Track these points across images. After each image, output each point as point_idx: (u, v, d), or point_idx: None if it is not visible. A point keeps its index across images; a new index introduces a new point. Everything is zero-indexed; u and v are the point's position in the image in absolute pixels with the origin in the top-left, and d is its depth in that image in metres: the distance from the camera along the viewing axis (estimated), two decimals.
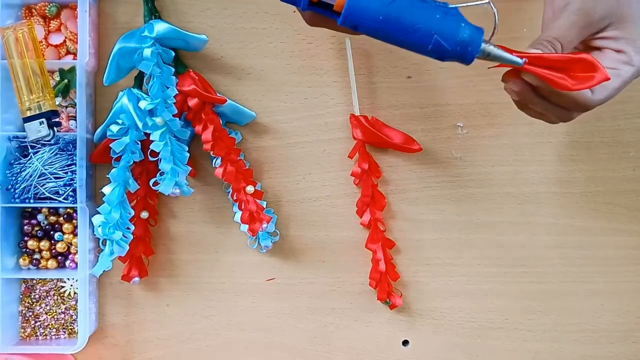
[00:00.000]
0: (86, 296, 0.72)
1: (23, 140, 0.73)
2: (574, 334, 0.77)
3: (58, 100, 0.74)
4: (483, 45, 0.50)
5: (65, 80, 0.74)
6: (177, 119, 0.70)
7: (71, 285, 0.76)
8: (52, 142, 0.73)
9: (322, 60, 0.76)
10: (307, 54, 0.75)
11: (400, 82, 0.76)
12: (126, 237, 0.70)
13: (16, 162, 0.73)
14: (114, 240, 0.69)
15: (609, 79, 0.50)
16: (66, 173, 0.72)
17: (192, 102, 0.71)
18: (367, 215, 0.75)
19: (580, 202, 0.77)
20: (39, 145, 0.73)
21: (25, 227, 0.75)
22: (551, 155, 0.76)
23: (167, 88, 0.69)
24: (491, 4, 0.52)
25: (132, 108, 0.69)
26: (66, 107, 0.74)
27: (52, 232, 0.75)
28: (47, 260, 0.75)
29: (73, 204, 0.72)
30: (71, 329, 0.76)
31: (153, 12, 0.72)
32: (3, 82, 0.71)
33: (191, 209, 0.77)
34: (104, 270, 0.71)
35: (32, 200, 0.72)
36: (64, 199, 0.72)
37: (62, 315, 0.76)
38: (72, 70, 0.74)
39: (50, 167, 0.72)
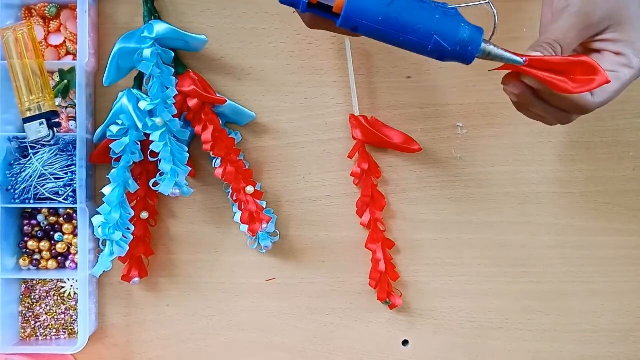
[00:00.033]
0: (86, 296, 0.72)
1: (23, 140, 0.73)
2: (574, 334, 0.77)
3: (58, 100, 0.74)
4: (483, 45, 0.50)
5: (65, 81, 0.74)
6: (177, 119, 0.70)
7: (71, 286, 0.76)
8: (52, 142, 0.73)
9: (322, 61, 0.75)
10: (307, 54, 0.75)
11: (400, 82, 0.76)
12: (126, 238, 0.70)
13: (16, 163, 0.73)
14: (114, 240, 0.69)
15: (609, 82, 0.50)
16: (66, 174, 0.72)
17: (192, 102, 0.71)
18: (367, 215, 0.75)
19: (580, 202, 0.77)
20: (39, 146, 0.73)
21: (26, 227, 0.75)
22: (551, 155, 0.76)
23: (167, 88, 0.69)
24: (491, 4, 0.52)
25: (132, 108, 0.69)
26: (66, 107, 0.74)
27: (52, 233, 0.75)
28: (47, 260, 0.75)
29: (73, 204, 0.72)
30: (71, 329, 0.76)
31: (153, 12, 0.72)
32: (3, 83, 0.71)
33: (191, 209, 0.77)
34: (104, 271, 0.71)
35: (32, 201, 0.72)
36: (64, 199, 0.72)
37: (62, 316, 0.76)
38: (72, 70, 0.74)
39: (50, 168, 0.72)
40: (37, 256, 0.75)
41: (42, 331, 0.76)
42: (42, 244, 0.75)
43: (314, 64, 0.75)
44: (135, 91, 0.70)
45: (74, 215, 0.75)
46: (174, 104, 0.69)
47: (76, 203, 0.71)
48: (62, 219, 0.75)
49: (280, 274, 0.77)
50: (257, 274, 0.77)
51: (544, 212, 0.77)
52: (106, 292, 0.77)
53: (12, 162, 0.73)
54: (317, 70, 0.75)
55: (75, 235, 0.75)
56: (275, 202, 0.77)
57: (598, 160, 0.76)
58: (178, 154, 0.70)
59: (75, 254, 0.75)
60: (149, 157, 0.70)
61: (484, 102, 0.76)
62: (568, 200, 0.76)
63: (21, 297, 0.76)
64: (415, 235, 0.77)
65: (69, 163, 0.72)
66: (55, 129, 0.70)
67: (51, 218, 0.75)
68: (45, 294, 0.76)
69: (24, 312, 0.76)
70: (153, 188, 0.70)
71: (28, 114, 0.69)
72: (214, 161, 0.73)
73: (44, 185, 0.72)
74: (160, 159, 0.69)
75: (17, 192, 0.72)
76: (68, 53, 0.75)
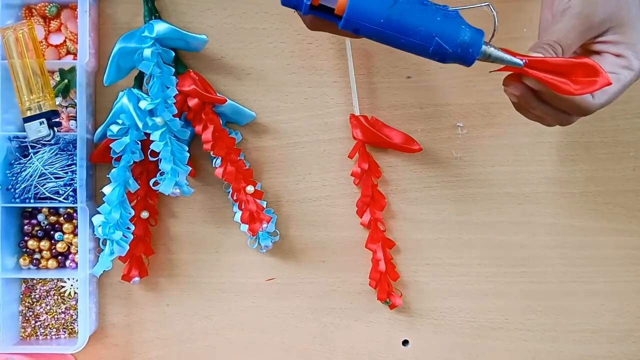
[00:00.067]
0: (86, 296, 0.72)
1: (23, 140, 0.73)
2: (574, 334, 0.77)
3: (58, 100, 0.74)
4: (484, 47, 0.51)
5: (66, 81, 0.74)
6: (177, 119, 0.70)
7: (71, 285, 0.76)
8: (52, 142, 0.73)
9: (322, 60, 0.75)
10: (307, 54, 0.75)
11: (400, 82, 0.76)
12: (126, 237, 0.70)
13: (16, 162, 0.73)
14: (114, 240, 0.69)
15: (610, 83, 0.50)
16: (66, 173, 0.72)
17: (192, 102, 0.71)
18: (367, 215, 0.75)
19: (580, 202, 0.77)
20: (39, 145, 0.73)
21: (26, 227, 0.75)
22: (551, 155, 0.76)
23: (167, 88, 0.69)
24: (490, 6, 0.52)
25: (132, 108, 0.69)
26: (66, 107, 0.74)
27: (52, 232, 0.75)
28: (48, 260, 0.75)
29: (73, 203, 0.72)
30: (71, 328, 0.76)
31: (153, 12, 0.72)
32: (3, 82, 0.71)
33: (191, 209, 0.77)
34: (104, 270, 0.71)
35: (32, 200, 0.72)
36: (64, 199, 0.72)
37: (63, 315, 0.76)
38: (72, 70, 0.74)
39: (51, 167, 0.72)
40: (37, 255, 0.75)
41: (42, 331, 0.76)
42: (42, 243, 0.75)
43: (314, 64, 0.75)
44: (135, 91, 0.70)
45: (74, 214, 0.75)
46: (174, 103, 0.69)
47: (76, 202, 0.71)
48: (62, 218, 0.75)
49: (280, 273, 0.77)
50: (257, 273, 0.77)
51: (544, 212, 0.77)
52: (106, 292, 0.77)
53: (13, 161, 0.73)
54: (317, 70, 0.75)
55: (76, 235, 0.75)
56: (275, 202, 0.77)
57: (598, 160, 0.76)
58: (178, 153, 0.70)
59: (75, 254, 0.75)
60: (149, 157, 0.70)
61: (484, 102, 0.76)
62: (568, 200, 0.77)
63: (21, 296, 0.76)
64: (415, 235, 0.77)
65: (69, 162, 0.72)
66: (55, 129, 0.70)
67: (51, 217, 0.75)
68: (45, 293, 0.76)
69: (24, 311, 0.76)
70: (153, 187, 0.70)
71: (28, 114, 0.69)
72: (214, 161, 0.73)
73: (44, 184, 0.72)
74: (161, 159, 0.69)
75: (17, 191, 0.72)
76: (68, 52, 0.75)
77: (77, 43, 0.73)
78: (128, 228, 0.70)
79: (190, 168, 0.72)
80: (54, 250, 0.75)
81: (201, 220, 0.77)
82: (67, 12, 0.74)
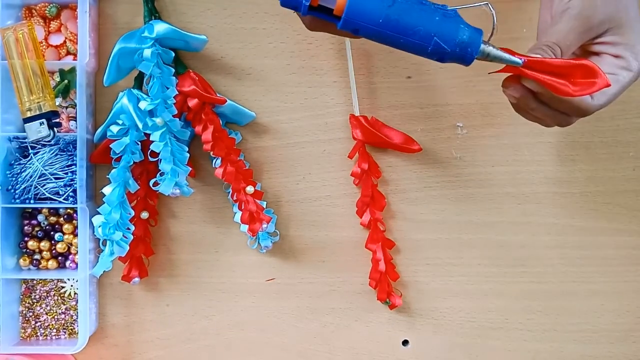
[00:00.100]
0: (86, 296, 0.72)
1: (23, 140, 0.73)
2: (574, 334, 0.77)
3: (58, 100, 0.74)
4: (482, 46, 0.51)
5: (66, 81, 0.74)
6: (177, 119, 0.70)
7: (71, 286, 0.76)
8: (52, 142, 0.73)
9: (322, 61, 0.75)
10: (307, 54, 0.75)
11: (400, 82, 0.76)
12: (126, 238, 0.70)
13: (16, 163, 0.73)
14: (114, 240, 0.69)
15: (609, 85, 0.50)
16: (66, 173, 0.72)
17: (192, 102, 0.71)
18: (367, 215, 0.75)
19: (580, 202, 0.77)
20: (39, 146, 0.73)
21: (26, 227, 0.75)
22: (551, 155, 0.76)
23: (167, 88, 0.69)
24: (489, 5, 0.52)
25: (132, 108, 0.69)
26: (66, 107, 0.74)
27: (52, 233, 0.75)
28: (48, 260, 0.75)
29: (73, 204, 0.72)
30: (71, 329, 0.76)
31: (153, 12, 0.72)
32: (3, 83, 0.71)
33: (191, 209, 0.77)
34: (104, 271, 0.71)
35: (32, 201, 0.72)
36: (64, 199, 0.72)
37: (63, 316, 0.76)
38: (72, 70, 0.74)
39: (51, 168, 0.72)
40: (37, 256, 0.75)
41: (42, 331, 0.76)
42: (42, 243, 0.75)
43: (314, 64, 0.75)
44: (135, 91, 0.70)
45: (74, 215, 0.75)
46: (174, 104, 0.69)
47: (76, 203, 0.71)
48: (62, 218, 0.75)
49: (280, 274, 0.77)
50: (257, 274, 0.77)
51: (544, 212, 0.77)
52: (106, 292, 0.77)
53: (13, 162, 0.73)
54: (317, 70, 0.75)
55: (76, 235, 0.75)
56: (275, 202, 0.77)
57: (598, 160, 0.76)
58: (178, 153, 0.70)
59: (75, 254, 0.75)
60: (149, 157, 0.70)
61: (484, 102, 0.76)
62: (568, 200, 0.77)
63: (21, 297, 0.76)
64: (415, 235, 0.77)
65: (69, 163, 0.72)
66: (55, 129, 0.70)
67: (51, 218, 0.75)
68: (45, 294, 0.76)
69: (24, 312, 0.76)
70: (153, 188, 0.70)
71: (28, 114, 0.69)
72: (214, 161, 0.73)
73: (44, 185, 0.72)
74: (161, 159, 0.69)
75: (17, 192, 0.72)
76: (68, 53, 0.75)
77: (77, 43, 0.73)
78: (128, 228, 0.70)
79: (190, 168, 0.72)
80: (54, 251, 0.75)
81: (201, 221, 0.77)
82: (67, 12, 0.74)
